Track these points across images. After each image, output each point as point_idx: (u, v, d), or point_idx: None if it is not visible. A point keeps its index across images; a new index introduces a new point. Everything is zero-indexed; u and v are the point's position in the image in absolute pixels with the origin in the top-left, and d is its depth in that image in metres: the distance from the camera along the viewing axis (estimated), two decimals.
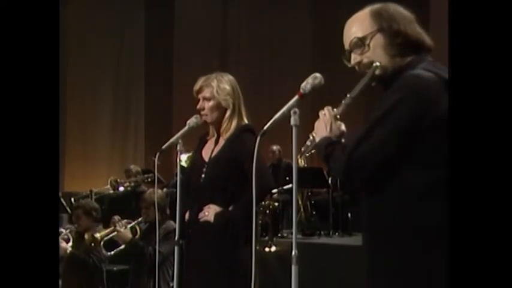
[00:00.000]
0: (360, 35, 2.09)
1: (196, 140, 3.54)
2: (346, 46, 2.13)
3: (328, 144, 2.04)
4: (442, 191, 1.90)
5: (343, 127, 2.14)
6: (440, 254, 1.89)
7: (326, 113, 2.13)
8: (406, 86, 1.94)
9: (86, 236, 4.98)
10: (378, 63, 2.06)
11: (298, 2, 11.96)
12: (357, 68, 2.11)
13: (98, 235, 4.96)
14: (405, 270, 1.96)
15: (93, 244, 4.95)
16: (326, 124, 2.11)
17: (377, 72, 2.06)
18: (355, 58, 2.11)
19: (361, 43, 2.08)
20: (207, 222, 3.25)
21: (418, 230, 1.94)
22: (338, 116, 2.12)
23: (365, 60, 2.09)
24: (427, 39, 2.12)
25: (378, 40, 2.07)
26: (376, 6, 2.13)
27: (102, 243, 4.97)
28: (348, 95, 2.09)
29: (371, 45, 2.07)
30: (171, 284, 4.89)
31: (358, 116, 2.04)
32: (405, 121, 1.92)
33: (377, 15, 2.09)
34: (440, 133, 1.90)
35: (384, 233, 2.00)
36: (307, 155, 2.26)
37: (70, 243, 5.10)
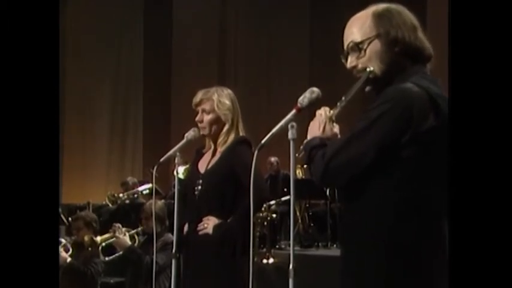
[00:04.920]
0: (357, 39, 2.06)
1: (194, 152, 3.56)
2: (345, 47, 2.11)
3: (314, 147, 2.03)
4: (417, 207, 1.92)
5: (336, 129, 2.12)
6: (415, 271, 1.91)
7: (322, 113, 2.12)
8: (391, 101, 1.93)
9: (86, 238, 5.03)
10: (371, 69, 2.04)
11: (297, 12, 12.00)
12: (353, 71, 2.10)
13: (97, 238, 5.04)
14: (376, 283, 1.95)
15: (90, 248, 5.00)
16: (320, 124, 2.10)
17: (371, 76, 2.04)
18: (351, 62, 2.09)
19: (357, 48, 2.06)
20: (206, 234, 3.26)
21: (391, 245, 1.93)
22: (334, 118, 2.11)
23: (360, 66, 2.07)
24: (427, 48, 2.08)
25: (375, 47, 2.04)
26: (380, 8, 2.08)
27: (100, 248, 5.03)
28: (343, 98, 2.07)
29: (367, 51, 2.04)
30: None
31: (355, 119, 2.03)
32: (385, 136, 1.92)
33: (378, 19, 2.05)
34: (419, 149, 1.91)
35: (357, 245, 2.00)
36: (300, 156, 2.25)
37: (69, 253, 5.12)
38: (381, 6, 2.09)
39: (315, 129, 2.10)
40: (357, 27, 2.07)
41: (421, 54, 2.07)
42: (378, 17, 2.06)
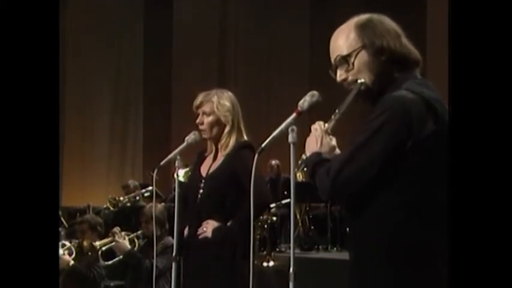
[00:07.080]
0: (344, 52, 2.07)
1: (194, 155, 3.55)
2: (332, 61, 2.12)
3: (316, 164, 2.04)
4: (419, 210, 1.93)
5: (334, 142, 2.13)
6: (420, 271, 1.92)
7: (317, 128, 2.12)
8: (389, 110, 1.93)
9: (85, 243, 5.02)
10: (362, 80, 2.05)
11: (297, 12, 12.00)
12: (343, 84, 2.11)
13: (96, 243, 5.04)
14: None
15: (90, 253, 4.99)
16: (317, 139, 2.10)
17: (362, 88, 2.05)
18: (340, 75, 2.10)
19: (345, 61, 2.07)
20: (206, 237, 3.25)
21: (392, 249, 1.94)
22: (329, 131, 2.12)
23: (350, 78, 2.08)
24: (414, 54, 2.09)
25: (362, 58, 2.05)
26: (362, 19, 2.10)
27: (100, 252, 5.03)
28: (337, 111, 2.09)
29: (355, 63, 2.06)
30: None
31: (351, 129, 2.03)
32: (388, 146, 1.92)
33: (362, 30, 2.06)
34: (421, 153, 1.92)
35: (366, 251, 2.01)
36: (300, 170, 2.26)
37: (72, 257, 5.11)
38: (363, 17, 2.11)
39: (312, 145, 2.10)
40: (342, 40, 2.09)
41: (408, 60, 2.08)
42: (361, 28, 2.07)
